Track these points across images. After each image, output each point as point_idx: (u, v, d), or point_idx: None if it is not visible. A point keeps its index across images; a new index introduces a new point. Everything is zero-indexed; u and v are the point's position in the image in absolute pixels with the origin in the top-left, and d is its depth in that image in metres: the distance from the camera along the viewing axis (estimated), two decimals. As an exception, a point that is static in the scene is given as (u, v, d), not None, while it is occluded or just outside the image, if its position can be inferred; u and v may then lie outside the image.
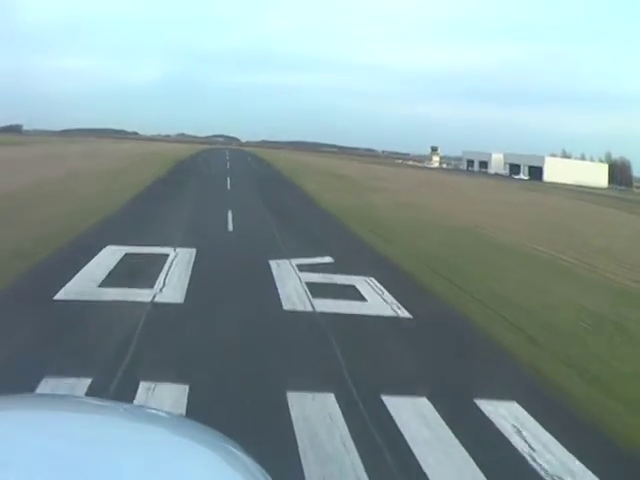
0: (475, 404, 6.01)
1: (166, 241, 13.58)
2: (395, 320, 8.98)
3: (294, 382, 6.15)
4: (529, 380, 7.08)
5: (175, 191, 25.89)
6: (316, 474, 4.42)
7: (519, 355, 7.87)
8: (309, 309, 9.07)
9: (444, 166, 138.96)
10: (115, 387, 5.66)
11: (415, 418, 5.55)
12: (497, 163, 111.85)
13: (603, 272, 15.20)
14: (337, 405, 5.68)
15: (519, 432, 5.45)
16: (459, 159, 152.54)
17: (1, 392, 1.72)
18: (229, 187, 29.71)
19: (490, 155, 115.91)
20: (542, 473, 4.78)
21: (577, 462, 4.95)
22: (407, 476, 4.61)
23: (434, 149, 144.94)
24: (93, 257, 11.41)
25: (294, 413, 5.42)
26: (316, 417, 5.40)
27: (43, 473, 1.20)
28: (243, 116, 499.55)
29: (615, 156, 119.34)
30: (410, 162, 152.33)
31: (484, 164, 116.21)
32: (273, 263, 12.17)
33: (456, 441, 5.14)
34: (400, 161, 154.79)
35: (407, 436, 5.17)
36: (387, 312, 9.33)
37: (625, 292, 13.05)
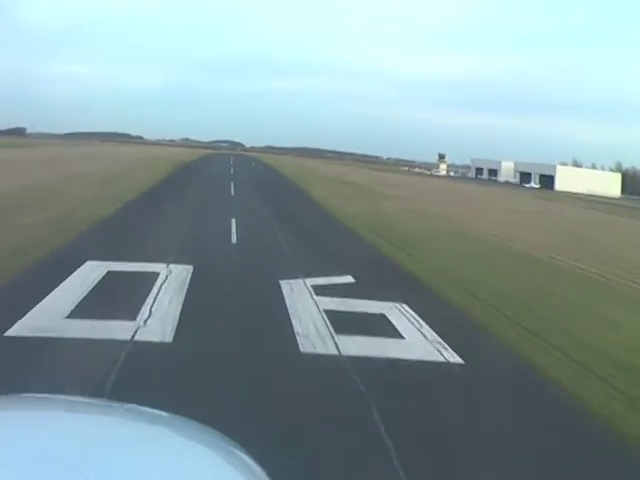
0: None
1: (159, 255, 11.62)
2: (445, 369, 6.98)
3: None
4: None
5: (174, 196, 23.98)
6: None
7: None
8: (333, 351, 7.08)
9: (452, 174, 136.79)
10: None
11: None
12: (507, 171, 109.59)
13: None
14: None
15: None
16: (466, 167, 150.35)
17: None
18: (233, 193, 27.78)
19: (500, 163, 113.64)
20: None
21: None
22: None
23: (441, 156, 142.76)
24: (68, 276, 9.47)
25: None
26: None
27: (43, 474, 1.18)
28: (247, 122, 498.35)
29: (626, 166, 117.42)
30: (417, 169, 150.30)
31: (493, 172, 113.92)
32: (285, 284, 10.22)
33: None
34: (407, 168, 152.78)
35: None
36: (432, 355, 7.33)
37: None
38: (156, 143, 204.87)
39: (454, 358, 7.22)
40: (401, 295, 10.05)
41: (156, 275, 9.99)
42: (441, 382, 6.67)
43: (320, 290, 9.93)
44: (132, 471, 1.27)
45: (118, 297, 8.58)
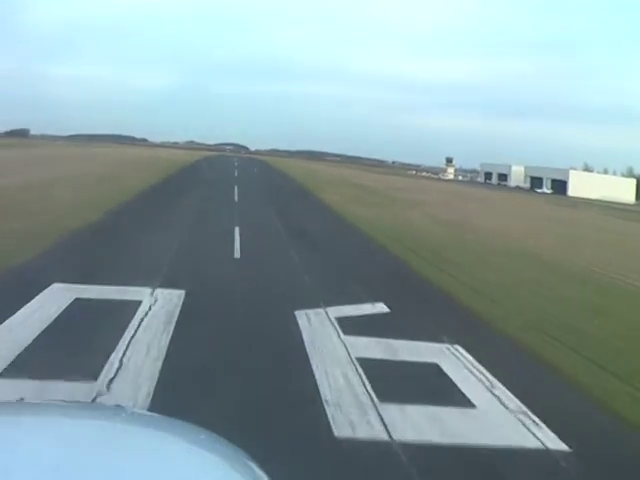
0: None
1: (144, 276, 9.40)
2: (545, 460, 4.73)
3: None
4: None
5: (170, 201, 21.77)
6: None
7: None
8: (382, 436, 4.81)
9: (460, 178, 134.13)
10: None
11: None
12: (517, 176, 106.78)
13: None
14: None
15: None
16: (474, 171, 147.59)
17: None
18: (236, 198, 25.55)
19: (510, 167, 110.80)
20: None
21: None
22: None
23: (449, 160, 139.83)
24: (22, 306, 7.27)
25: None
26: None
27: (46, 479, 1.18)
28: (252, 125, 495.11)
29: (638, 171, 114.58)
30: (424, 173, 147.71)
31: (503, 176, 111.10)
32: (301, 316, 8.01)
33: None
34: (414, 172, 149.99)
35: None
36: (522, 437, 5.06)
37: None
38: (160, 145, 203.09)
39: (557, 444, 4.96)
40: (452, 332, 7.84)
41: (136, 305, 7.77)
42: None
43: (348, 325, 7.70)
44: (133, 475, 1.26)
45: (78, 340, 6.33)
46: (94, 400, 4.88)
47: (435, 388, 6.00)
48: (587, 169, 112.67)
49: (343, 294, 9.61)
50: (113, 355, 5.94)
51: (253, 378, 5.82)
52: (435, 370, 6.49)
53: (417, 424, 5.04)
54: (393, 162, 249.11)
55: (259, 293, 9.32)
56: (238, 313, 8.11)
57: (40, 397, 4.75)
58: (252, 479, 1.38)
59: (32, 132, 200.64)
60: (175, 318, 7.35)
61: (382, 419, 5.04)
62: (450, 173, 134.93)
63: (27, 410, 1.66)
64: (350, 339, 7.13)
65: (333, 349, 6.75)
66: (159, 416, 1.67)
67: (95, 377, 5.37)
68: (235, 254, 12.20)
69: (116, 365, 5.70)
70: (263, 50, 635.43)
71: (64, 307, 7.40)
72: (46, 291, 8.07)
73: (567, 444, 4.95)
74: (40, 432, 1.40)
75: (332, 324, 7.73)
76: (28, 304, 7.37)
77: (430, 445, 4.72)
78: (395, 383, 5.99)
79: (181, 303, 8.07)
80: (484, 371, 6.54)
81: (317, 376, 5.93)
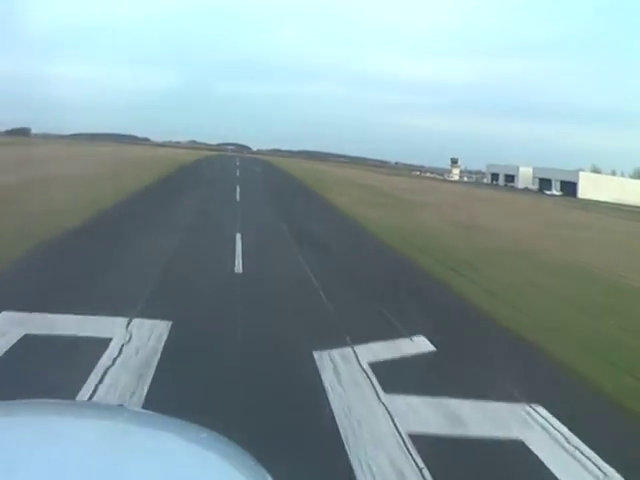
0: None
1: (121, 300, 7.43)
2: None
3: None
4: None
5: (166, 203, 19.79)
6: None
7: None
8: None
9: (465, 179, 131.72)
10: None
11: None
12: (525, 177, 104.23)
13: None
14: None
15: None
16: (478, 172, 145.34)
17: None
18: (238, 198, 23.56)
19: (517, 168, 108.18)
20: None
21: None
22: None
23: (454, 161, 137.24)
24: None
25: None
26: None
27: (46, 479, 1.17)
28: (254, 125, 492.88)
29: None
30: (428, 174, 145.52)
31: (510, 178, 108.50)
32: (324, 361, 6.06)
33: None
34: (417, 173, 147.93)
35: None
36: None
37: None
38: (162, 145, 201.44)
39: None
40: (525, 384, 5.87)
41: (104, 344, 5.80)
42: None
43: (386, 375, 5.72)
44: (134, 475, 1.24)
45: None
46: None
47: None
48: (595, 170, 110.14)
49: (372, 323, 7.64)
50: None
51: None
52: (521, 453, 4.51)
53: None
54: (396, 163, 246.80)
55: (267, 323, 7.33)
56: (240, 354, 6.11)
57: None
58: (254, 478, 1.36)
59: (33, 131, 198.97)
60: (152, 369, 5.36)
61: None
62: (455, 174, 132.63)
63: (27, 410, 1.61)
64: (395, 401, 5.14)
65: (375, 422, 4.75)
66: (160, 415, 1.62)
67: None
68: (236, 268, 10.20)
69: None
70: (266, 50, 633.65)
71: (4, 350, 5.44)
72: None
73: None
74: (40, 432, 1.38)
75: (366, 375, 5.74)
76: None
77: None
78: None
79: (164, 341, 6.10)
80: (590, 452, 4.56)
81: (358, 474, 3.95)
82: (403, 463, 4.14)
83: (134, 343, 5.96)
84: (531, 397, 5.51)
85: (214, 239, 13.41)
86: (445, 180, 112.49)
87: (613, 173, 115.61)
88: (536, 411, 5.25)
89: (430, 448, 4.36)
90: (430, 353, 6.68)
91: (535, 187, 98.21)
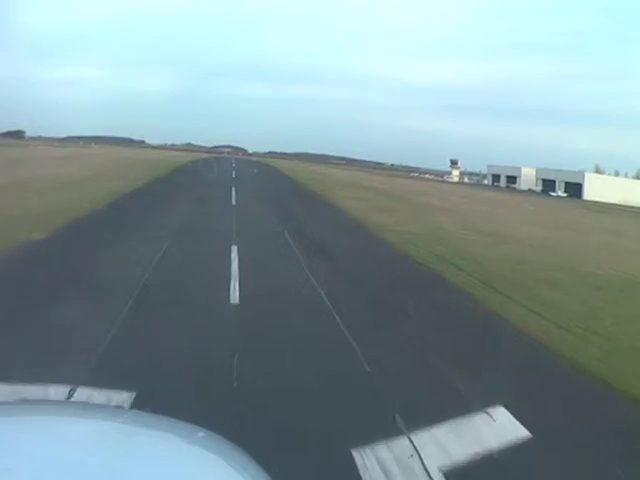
0: None
1: (58, 361, 5.01)
2: None
3: None
4: None
5: (151, 210, 17.36)
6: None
7: None
8: None
9: (465, 180, 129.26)
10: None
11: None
12: (528, 178, 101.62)
13: None
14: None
15: None
16: (475, 174, 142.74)
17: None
18: (234, 202, 21.11)
19: (520, 170, 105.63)
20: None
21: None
22: None
23: (454, 162, 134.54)
24: None
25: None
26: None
27: (46, 479, 1.16)
28: (250, 127, 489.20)
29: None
30: (426, 175, 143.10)
31: (512, 179, 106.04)
32: (370, 471, 3.63)
33: None
34: (416, 174, 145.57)
35: None
36: None
37: None
38: (158, 147, 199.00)
39: None
40: None
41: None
42: None
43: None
44: (133, 475, 1.24)
45: None
46: None
47: None
48: (598, 171, 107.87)
49: (430, 389, 5.25)
50: None
51: None
52: None
53: None
54: (392, 164, 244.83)
55: (275, 392, 4.91)
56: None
57: None
58: (253, 479, 1.35)
59: (28, 134, 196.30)
60: None
61: None
62: (455, 175, 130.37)
63: (27, 410, 1.62)
64: None
65: None
66: (159, 416, 1.59)
67: None
68: (232, 297, 7.75)
69: None
70: (261, 52, 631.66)
71: None
72: None
73: None
74: (40, 432, 1.37)
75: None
76: None
77: None
78: None
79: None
80: None
81: None
82: None
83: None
84: None
85: (204, 255, 10.94)
86: (445, 182, 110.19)
87: (616, 174, 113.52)
88: None
89: None
90: (523, 441, 4.33)
91: (539, 188, 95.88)
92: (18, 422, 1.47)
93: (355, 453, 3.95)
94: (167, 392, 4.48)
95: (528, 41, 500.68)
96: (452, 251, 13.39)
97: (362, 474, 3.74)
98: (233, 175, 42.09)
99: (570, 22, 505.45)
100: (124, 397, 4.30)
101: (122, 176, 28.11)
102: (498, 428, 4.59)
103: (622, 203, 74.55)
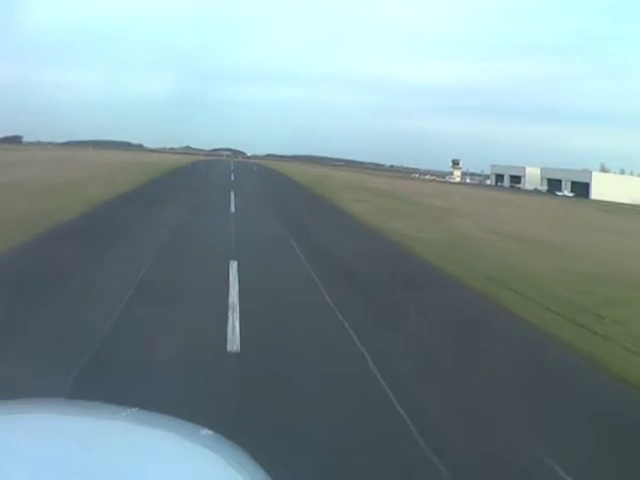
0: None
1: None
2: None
3: None
4: None
5: (139, 219, 15.46)
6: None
7: None
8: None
9: (468, 180, 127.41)
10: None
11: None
12: (532, 178, 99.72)
13: None
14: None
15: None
16: (476, 174, 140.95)
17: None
18: (233, 209, 19.16)
19: (524, 169, 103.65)
20: None
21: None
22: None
23: (455, 162, 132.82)
24: None
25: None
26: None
27: (46, 479, 1.14)
28: (249, 130, 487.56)
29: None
30: (427, 176, 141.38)
31: (516, 179, 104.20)
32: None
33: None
34: (416, 175, 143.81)
35: None
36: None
37: None
38: (156, 151, 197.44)
39: None
40: None
41: None
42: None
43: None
44: (133, 475, 1.22)
45: None
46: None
47: None
48: (604, 170, 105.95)
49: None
50: None
51: None
52: None
53: None
54: (391, 166, 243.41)
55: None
56: None
57: None
58: (253, 478, 1.32)
59: (27, 139, 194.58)
60: None
61: None
62: (457, 176, 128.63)
63: (27, 410, 1.57)
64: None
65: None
66: (159, 415, 1.55)
67: None
68: (230, 340, 5.82)
69: None
70: (259, 56, 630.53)
71: None
72: None
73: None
74: (40, 432, 1.34)
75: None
76: None
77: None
78: None
79: None
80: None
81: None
82: None
83: None
84: None
85: (197, 271, 9.03)
86: (447, 182, 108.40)
87: (622, 172, 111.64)
88: None
89: None
90: None
91: (544, 188, 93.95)
92: (17, 422, 1.42)
93: None
94: None
95: (530, 41, 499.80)
96: (496, 266, 11.40)
97: None
98: (232, 178, 40.18)
99: (571, 22, 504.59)
100: None
101: (110, 181, 26.14)
102: None
103: (631, 202, 72.62)
